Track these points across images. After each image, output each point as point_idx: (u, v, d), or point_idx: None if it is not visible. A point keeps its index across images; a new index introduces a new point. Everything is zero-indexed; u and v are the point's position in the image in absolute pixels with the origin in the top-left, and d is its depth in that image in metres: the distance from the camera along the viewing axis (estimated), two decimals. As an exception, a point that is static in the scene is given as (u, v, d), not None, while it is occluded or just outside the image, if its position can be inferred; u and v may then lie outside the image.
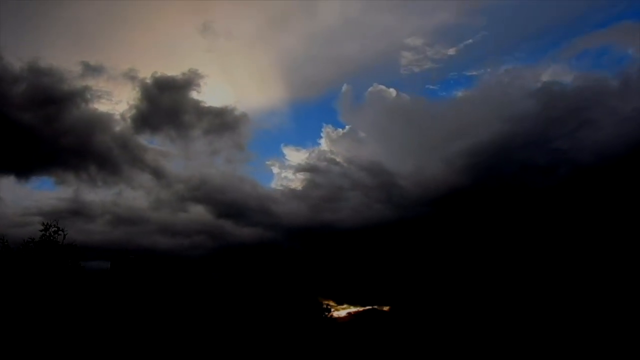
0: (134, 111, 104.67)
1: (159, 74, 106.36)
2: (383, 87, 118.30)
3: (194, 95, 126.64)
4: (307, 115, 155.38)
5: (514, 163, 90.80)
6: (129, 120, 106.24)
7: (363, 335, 41.88)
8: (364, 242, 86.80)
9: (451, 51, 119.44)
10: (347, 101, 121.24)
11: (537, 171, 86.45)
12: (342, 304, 56.91)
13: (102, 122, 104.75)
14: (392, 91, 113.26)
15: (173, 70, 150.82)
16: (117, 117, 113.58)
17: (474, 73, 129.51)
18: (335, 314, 49.89)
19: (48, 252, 30.55)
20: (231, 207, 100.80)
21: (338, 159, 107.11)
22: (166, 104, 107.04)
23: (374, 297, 58.96)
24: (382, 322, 47.56)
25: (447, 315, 36.36)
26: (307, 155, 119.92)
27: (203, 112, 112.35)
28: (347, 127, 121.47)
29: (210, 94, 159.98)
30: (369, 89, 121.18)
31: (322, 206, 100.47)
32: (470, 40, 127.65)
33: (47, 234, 30.59)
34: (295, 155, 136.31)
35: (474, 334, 34.52)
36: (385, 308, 53.23)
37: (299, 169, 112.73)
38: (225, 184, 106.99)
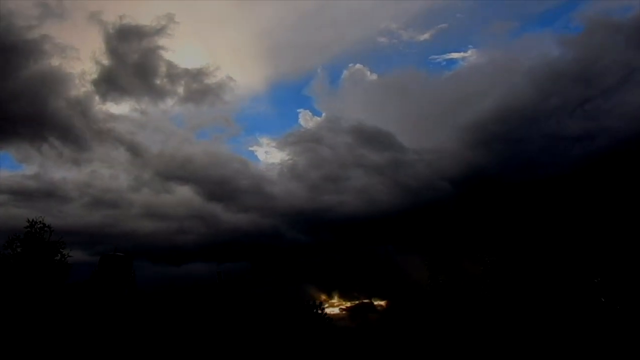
0: (99, 68, 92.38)
1: (127, 20, 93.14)
2: (360, 65, 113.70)
3: (168, 55, 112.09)
4: (283, 101, 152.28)
5: (541, 134, 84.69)
6: (93, 83, 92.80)
7: (360, 334, 40.98)
8: (364, 232, 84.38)
9: (426, 35, 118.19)
10: (322, 85, 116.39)
11: (570, 142, 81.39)
12: (332, 298, 55.93)
13: (63, 82, 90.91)
14: (375, 76, 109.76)
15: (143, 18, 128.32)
16: (81, 76, 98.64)
17: (454, 56, 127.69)
18: (328, 310, 48.82)
19: (34, 249, 29.55)
20: (221, 187, 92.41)
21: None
22: (135, 59, 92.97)
23: (369, 290, 57.74)
24: (379, 319, 46.64)
25: (451, 314, 35.16)
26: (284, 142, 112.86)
27: (178, 74, 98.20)
28: (323, 114, 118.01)
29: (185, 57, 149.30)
30: (345, 71, 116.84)
31: (316, 185, 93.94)
32: (445, 25, 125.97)
33: (33, 231, 29.65)
34: (272, 145, 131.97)
35: (478, 332, 33.49)
36: (383, 302, 52.41)
37: (283, 144, 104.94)
38: (212, 161, 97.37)
